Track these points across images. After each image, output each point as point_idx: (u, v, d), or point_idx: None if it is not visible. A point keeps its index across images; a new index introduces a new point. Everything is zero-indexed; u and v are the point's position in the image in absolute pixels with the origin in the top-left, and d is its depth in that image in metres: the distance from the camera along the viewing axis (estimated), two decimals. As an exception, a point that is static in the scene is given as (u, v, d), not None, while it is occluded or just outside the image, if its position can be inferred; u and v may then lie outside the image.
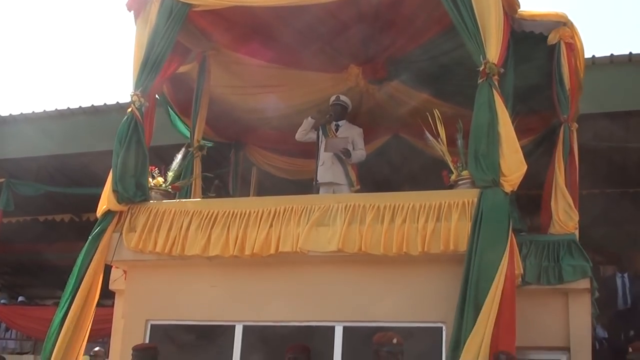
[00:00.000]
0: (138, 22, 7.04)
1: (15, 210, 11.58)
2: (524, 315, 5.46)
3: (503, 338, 5.04)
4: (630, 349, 5.97)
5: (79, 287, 6.16)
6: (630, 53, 8.65)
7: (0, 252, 12.60)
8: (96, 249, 6.26)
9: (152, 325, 6.31)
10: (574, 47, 6.50)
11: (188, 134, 8.12)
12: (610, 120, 8.43)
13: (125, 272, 6.79)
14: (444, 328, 5.52)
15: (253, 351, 5.99)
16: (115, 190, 6.40)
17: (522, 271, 5.73)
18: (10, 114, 11.24)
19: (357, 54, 7.77)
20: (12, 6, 31.62)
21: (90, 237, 6.36)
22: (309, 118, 7.52)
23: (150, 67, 6.74)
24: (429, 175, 6.59)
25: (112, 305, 7.46)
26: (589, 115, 7.51)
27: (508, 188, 5.51)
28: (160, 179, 6.87)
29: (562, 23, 6.47)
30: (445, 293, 5.45)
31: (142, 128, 6.65)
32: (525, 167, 5.62)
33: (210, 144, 8.28)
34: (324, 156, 7.38)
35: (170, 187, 6.91)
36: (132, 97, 6.69)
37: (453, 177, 5.91)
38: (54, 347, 5.99)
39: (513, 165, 5.57)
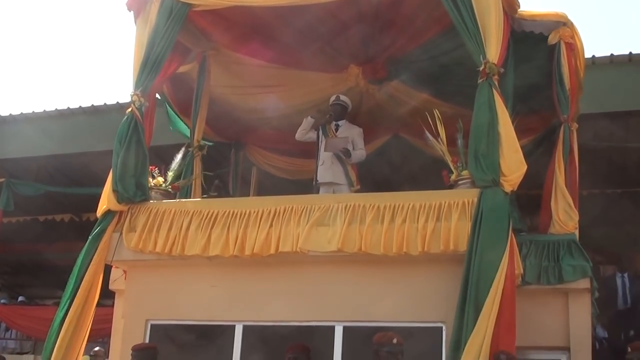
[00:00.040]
0: (138, 22, 7.04)
1: (15, 210, 11.57)
2: (524, 315, 5.47)
3: (503, 338, 5.04)
4: (629, 349, 5.98)
5: (79, 287, 6.17)
6: (630, 53, 8.66)
7: (0, 252, 12.60)
8: (96, 249, 6.27)
9: (152, 325, 6.32)
10: (574, 47, 6.50)
11: (187, 132, 8.12)
12: (610, 120, 8.43)
13: (125, 272, 6.79)
14: (444, 328, 5.52)
15: (253, 351, 5.99)
16: (115, 190, 6.41)
17: (522, 271, 5.73)
18: (10, 114, 11.25)
19: (357, 54, 7.77)
20: (12, 6, 31.64)
21: (90, 237, 6.36)
22: (309, 117, 7.52)
23: (150, 67, 6.74)
24: (429, 175, 6.59)
25: (112, 305, 7.46)
26: (589, 115, 7.51)
27: (508, 188, 5.52)
28: (160, 179, 6.87)
29: (562, 23, 6.47)
30: (445, 293, 5.45)
31: (142, 128, 6.65)
32: (525, 167, 5.62)
33: (210, 144, 8.29)
34: (324, 156, 7.38)
35: (170, 187, 6.91)
36: (132, 97, 6.70)
37: (453, 177, 5.91)
38: (54, 347, 5.99)
39: (513, 165, 5.57)
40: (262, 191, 9.14)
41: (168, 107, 8.32)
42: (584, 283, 5.88)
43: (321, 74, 8.03)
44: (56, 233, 12.74)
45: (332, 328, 5.80)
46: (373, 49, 7.67)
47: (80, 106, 10.88)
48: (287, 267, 6.00)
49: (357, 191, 7.28)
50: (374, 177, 8.27)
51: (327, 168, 7.35)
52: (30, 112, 11.16)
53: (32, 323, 11.90)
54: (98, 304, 6.43)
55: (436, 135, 6.12)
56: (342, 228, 5.68)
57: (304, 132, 7.57)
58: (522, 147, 5.81)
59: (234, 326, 6.05)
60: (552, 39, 6.43)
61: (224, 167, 9.05)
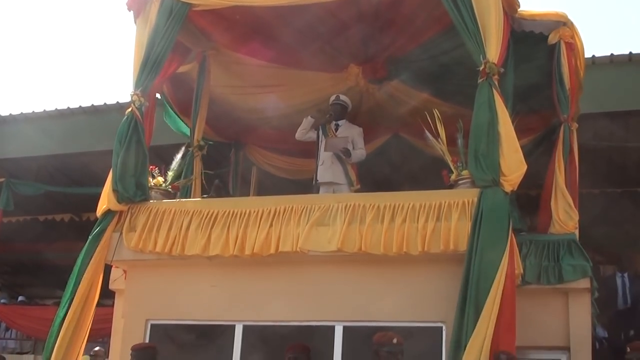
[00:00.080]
0: (138, 21, 7.04)
1: (15, 209, 11.58)
2: (524, 315, 5.47)
3: (503, 338, 5.04)
4: (628, 349, 5.97)
5: (79, 286, 6.16)
6: (630, 53, 8.66)
7: (0, 252, 12.60)
8: (96, 249, 6.27)
9: (152, 325, 6.32)
10: (574, 47, 6.50)
11: (185, 129, 8.11)
12: (610, 120, 8.43)
13: (125, 271, 6.79)
14: (444, 328, 5.52)
15: (253, 351, 6.00)
16: (115, 190, 6.41)
17: (522, 271, 5.73)
18: (10, 114, 11.25)
19: (357, 54, 7.77)
20: (12, 6, 31.63)
21: (90, 237, 6.36)
22: (309, 117, 7.52)
23: (150, 66, 6.74)
24: (429, 175, 6.59)
25: (112, 305, 7.46)
26: (589, 115, 7.51)
27: (508, 188, 5.52)
28: (160, 179, 6.87)
29: (562, 23, 6.47)
30: (445, 293, 5.45)
31: (142, 128, 6.65)
32: (525, 166, 5.62)
33: (210, 142, 8.28)
34: (324, 156, 7.37)
35: (170, 186, 6.91)
36: (132, 97, 6.70)
37: (453, 176, 5.91)
38: (54, 347, 5.99)
39: (513, 165, 5.57)
40: (262, 191, 9.14)
41: (165, 102, 8.30)
42: (584, 283, 5.88)
43: (321, 74, 8.02)
44: (56, 233, 12.74)
45: (332, 328, 5.80)
46: (373, 49, 7.67)
47: (80, 106, 10.88)
48: (287, 267, 6.00)
49: (357, 191, 7.27)
50: (374, 176, 8.27)
51: (327, 168, 7.35)
52: (30, 112, 11.17)
53: (32, 323, 11.90)
54: (98, 304, 6.43)
55: (436, 134, 6.12)
56: (342, 228, 5.68)
57: (304, 131, 7.57)
58: (522, 147, 5.81)
59: (234, 326, 6.05)
60: (552, 39, 6.43)
61: (224, 166, 9.05)
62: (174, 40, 6.81)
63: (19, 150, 10.88)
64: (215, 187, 8.13)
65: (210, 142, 8.30)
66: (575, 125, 6.55)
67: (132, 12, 7.09)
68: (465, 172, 5.80)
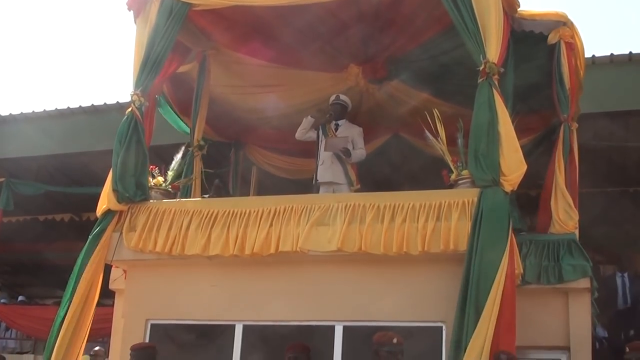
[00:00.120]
0: (138, 21, 7.05)
1: (15, 209, 11.58)
2: (524, 315, 5.47)
3: (503, 337, 5.04)
4: (627, 349, 5.97)
5: (79, 286, 6.16)
6: (630, 53, 8.66)
7: (0, 252, 12.60)
8: (96, 249, 6.27)
9: (152, 325, 6.32)
10: (574, 47, 6.50)
11: (184, 126, 8.11)
12: (610, 120, 8.43)
13: (125, 271, 6.79)
14: (444, 328, 5.52)
15: (253, 351, 6.00)
16: (115, 190, 6.41)
17: (522, 271, 5.73)
18: (10, 114, 11.25)
19: (357, 54, 7.77)
20: (12, 6, 31.63)
21: (90, 237, 6.36)
22: (309, 117, 7.52)
23: (150, 66, 6.74)
24: (429, 175, 6.59)
25: (112, 305, 7.46)
26: (589, 115, 7.51)
27: (508, 187, 5.52)
28: (160, 179, 6.88)
29: (562, 22, 6.47)
30: (445, 293, 5.45)
31: (142, 127, 6.65)
32: (525, 166, 5.62)
33: (210, 142, 8.29)
34: (324, 155, 7.37)
35: (170, 186, 6.91)
36: (132, 97, 6.70)
37: (453, 176, 5.91)
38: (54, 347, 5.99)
39: (513, 165, 5.57)
40: (262, 191, 9.15)
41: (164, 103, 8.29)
42: (584, 283, 5.88)
43: (321, 74, 8.03)
44: (56, 233, 12.74)
45: (332, 328, 5.80)
46: (373, 49, 7.67)
47: (80, 106, 10.88)
48: (287, 267, 6.00)
49: (357, 191, 7.27)
50: (374, 176, 8.27)
51: (326, 167, 7.35)
52: (30, 111, 11.17)
53: (32, 323, 11.90)
54: (98, 304, 6.43)
55: (436, 134, 6.12)
56: (342, 228, 5.68)
57: (304, 131, 7.57)
58: (522, 147, 5.81)
59: (234, 326, 6.06)
60: (552, 39, 6.43)
61: (224, 166, 9.06)
62: (174, 40, 6.81)
63: (19, 150, 10.88)
64: (215, 187, 8.13)
65: (211, 142, 8.30)
66: (575, 125, 6.55)
67: (132, 11, 7.09)
68: (465, 172, 5.80)
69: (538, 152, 7.18)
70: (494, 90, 5.74)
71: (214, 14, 7.09)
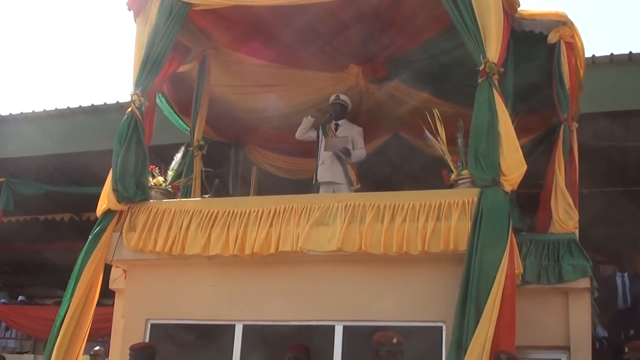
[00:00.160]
0: (138, 21, 7.04)
1: (15, 209, 11.58)
2: (524, 315, 5.47)
3: (503, 337, 5.04)
4: (626, 349, 5.97)
5: (79, 286, 6.16)
6: (630, 53, 8.66)
7: (0, 252, 12.60)
8: (96, 248, 6.27)
9: (152, 325, 6.32)
10: (574, 47, 6.50)
11: (184, 124, 8.12)
12: (610, 120, 8.43)
13: (125, 271, 6.79)
14: (443, 327, 5.52)
15: (253, 350, 6.00)
16: (115, 190, 6.41)
17: (522, 270, 5.72)
18: (10, 113, 11.26)
19: (357, 53, 7.77)
20: (12, 6, 31.63)
21: (90, 237, 6.36)
22: (309, 117, 7.52)
23: (150, 66, 6.74)
24: (429, 175, 6.59)
25: (112, 305, 7.45)
26: (589, 115, 7.51)
27: (508, 187, 5.52)
28: (160, 178, 6.88)
29: (562, 22, 6.47)
30: (445, 292, 5.45)
31: (142, 127, 6.65)
32: (525, 166, 5.62)
33: (210, 141, 8.29)
34: (324, 155, 7.37)
35: (170, 186, 6.91)
36: (132, 97, 6.70)
37: (453, 176, 5.91)
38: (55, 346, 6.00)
39: (513, 165, 5.57)
40: (262, 190, 9.14)
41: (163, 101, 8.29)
42: (584, 282, 5.88)
43: (321, 74, 8.02)
44: (56, 232, 12.74)
45: (332, 327, 5.80)
46: (373, 49, 7.67)
47: (80, 105, 10.89)
48: (287, 267, 6.00)
49: (357, 190, 7.28)
50: (374, 176, 8.27)
51: (326, 167, 7.35)
52: (30, 111, 11.17)
53: (32, 322, 11.90)
54: (98, 304, 6.43)
55: (436, 134, 6.12)
56: (342, 227, 5.68)
57: (303, 131, 7.57)
58: (522, 147, 5.81)
59: (234, 326, 6.06)
60: (552, 39, 6.43)
61: (224, 166, 9.06)
62: (174, 39, 6.81)
63: (19, 150, 10.88)
64: (215, 187, 8.12)
65: (211, 142, 8.30)
66: (575, 125, 6.55)
67: (132, 11, 7.09)
68: (465, 172, 5.80)
69: (538, 152, 7.18)
70: (494, 90, 5.74)
71: (214, 13, 7.09)
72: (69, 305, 6.11)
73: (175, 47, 7.03)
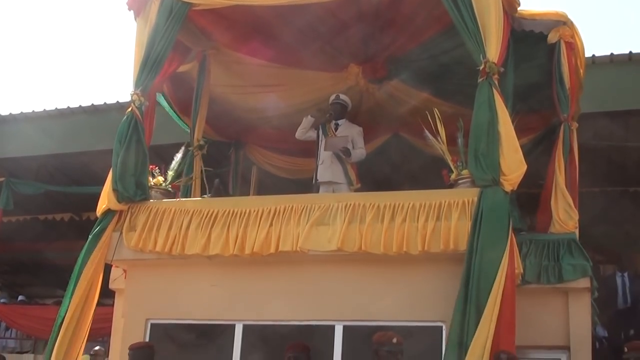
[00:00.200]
0: (138, 21, 7.04)
1: (15, 209, 11.58)
2: (524, 315, 5.47)
3: (503, 337, 5.04)
4: (626, 349, 5.97)
5: (79, 286, 6.16)
6: (630, 52, 8.66)
7: (0, 251, 12.60)
8: (96, 248, 6.27)
9: (152, 325, 6.32)
10: (574, 46, 6.50)
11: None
12: (610, 120, 8.43)
13: (125, 271, 6.79)
14: (443, 327, 5.52)
15: (253, 350, 6.00)
16: (115, 190, 6.41)
17: (522, 270, 5.72)
18: (11, 113, 11.26)
19: (357, 53, 7.77)
20: (12, 6, 31.63)
21: (90, 236, 6.36)
22: (309, 116, 7.52)
23: (150, 66, 6.74)
24: (429, 175, 6.58)
25: (112, 305, 7.46)
26: (589, 115, 7.51)
27: (508, 187, 5.52)
28: (160, 178, 6.87)
29: (562, 22, 6.47)
30: (445, 292, 5.45)
31: (142, 127, 6.65)
32: (525, 166, 5.62)
33: (210, 141, 8.28)
34: (324, 155, 7.37)
35: (170, 186, 6.91)
36: (132, 96, 6.70)
37: (453, 176, 5.91)
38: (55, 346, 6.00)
39: (513, 165, 5.57)
40: (262, 190, 9.14)
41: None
42: (584, 282, 5.88)
43: (321, 73, 8.02)
44: (56, 232, 12.74)
45: (332, 327, 5.80)
46: (373, 48, 7.67)
47: (81, 105, 10.89)
48: (287, 267, 6.00)
49: (357, 190, 7.28)
50: (374, 176, 8.26)
51: (326, 167, 7.35)
52: (31, 111, 11.18)
53: (32, 322, 11.90)
54: (98, 303, 6.43)
55: (436, 134, 6.12)
56: (342, 227, 5.68)
57: (303, 131, 7.57)
58: (522, 146, 5.81)
59: (234, 325, 6.06)
60: (552, 38, 6.43)
61: (224, 166, 9.05)
62: (174, 39, 6.81)
63: (19, 149, 10.88)
64: (215, 187, 8.12)
65: (211, 141, 8.30)
66: (575, 125, 6.55)
67: (132, 11, 7.09)
68: (465, 172, 5.80)
69: (538, 151, 7.18)
70: (494, 90, 5.74)
71: (214, 13, 7.09)
72: (69, 305, 6.11)
73: (175, 47, 7.03)
